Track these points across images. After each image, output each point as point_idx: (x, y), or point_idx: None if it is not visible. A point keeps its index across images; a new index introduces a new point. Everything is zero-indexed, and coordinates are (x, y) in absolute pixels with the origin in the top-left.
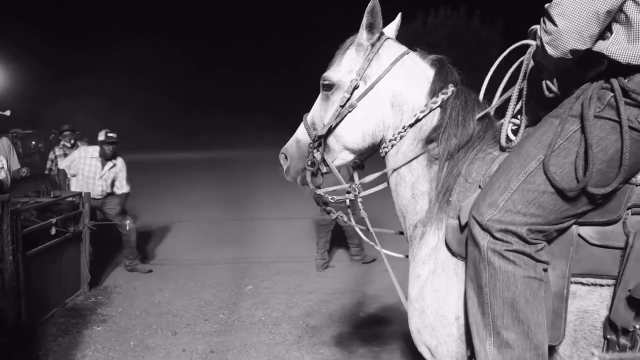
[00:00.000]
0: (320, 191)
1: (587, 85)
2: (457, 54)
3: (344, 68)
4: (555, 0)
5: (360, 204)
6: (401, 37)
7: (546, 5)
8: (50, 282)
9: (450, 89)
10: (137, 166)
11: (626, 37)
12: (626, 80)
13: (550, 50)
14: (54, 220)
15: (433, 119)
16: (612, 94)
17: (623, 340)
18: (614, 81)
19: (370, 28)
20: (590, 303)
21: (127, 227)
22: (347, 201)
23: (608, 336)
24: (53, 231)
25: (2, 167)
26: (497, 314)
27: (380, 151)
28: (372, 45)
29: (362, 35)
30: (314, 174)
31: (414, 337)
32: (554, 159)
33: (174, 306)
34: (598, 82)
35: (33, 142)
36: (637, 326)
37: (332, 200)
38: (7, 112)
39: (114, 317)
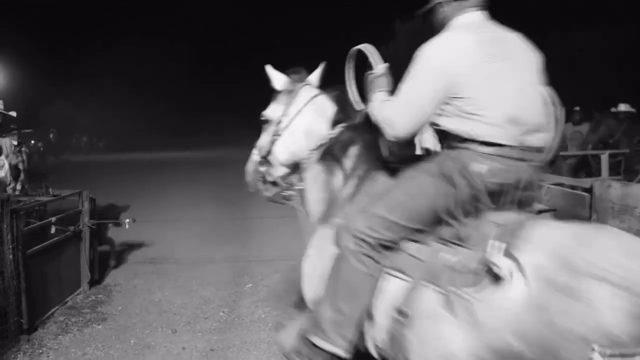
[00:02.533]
0: (268, 194)
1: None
2: None
3: (275, 107)
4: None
5: (294, 198)
6: (402, 36)
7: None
8: (51, 280)
9: (346, 123)
10: (135, 166)
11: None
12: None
13: (387, 131)
14: (53, 219)
15: (334, 144)
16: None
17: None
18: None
19: (292, 80)
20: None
21: (127, 227)
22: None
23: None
24: (53, 230)
25: (3, 166)
26: (339, 289)
27: (302, 165)
28: (292, 91)
29: (287, 84)
30: (265, 182)
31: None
32: (408, 203)
33: (174, 304)
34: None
35: (32, 142)
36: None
37: (281, 200)
38: (13, 113)
39: (114, 315)
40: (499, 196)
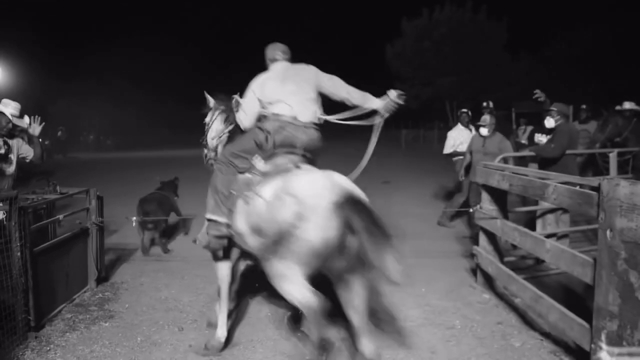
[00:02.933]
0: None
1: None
2: (462, 50)
3: (208, 115)
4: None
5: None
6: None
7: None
8: (58, 278)
9: (231, 126)
10: (143, 163)
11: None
12: None
13: (242, 126)
14: (61, 217)
15: (224, 137)
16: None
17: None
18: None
19: (215, 101)
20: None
21: (134, 224)
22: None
23: None
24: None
25: (12, 164)
26: (213, 190)
27: (216, 147)
28: (212, 109)
29: (213, 103)
30: (206, 157)
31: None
32: (245, 146)
33: (180, 302)
34: None
35: (40, 139)
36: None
37: (209, 166)
38: (25, 121)
39: (121, 313)
40: (284, 148)
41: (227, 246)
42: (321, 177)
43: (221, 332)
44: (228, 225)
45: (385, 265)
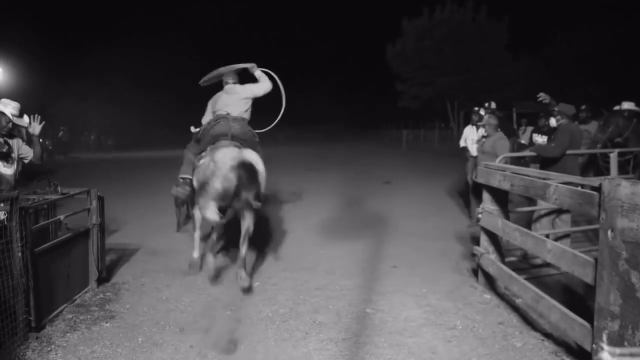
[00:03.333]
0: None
1: None
2: (463, 49)
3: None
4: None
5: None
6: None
7: None
8: (59, 278)
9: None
10: (144, 164)
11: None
12: None
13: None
14: (62, 217)
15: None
16: None
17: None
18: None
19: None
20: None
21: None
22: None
23: None
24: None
25: (13, 164)
26: (185, 161)
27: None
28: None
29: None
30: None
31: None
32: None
33: (181, 302)
34: None
35: (40, 140)
36: None
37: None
38: (25, 120)
39: (122, 313)
40: (220, 135)
41: (189, 196)
42: (231, 151)
43: (195, 254)
44: (191, 180)
45: (251, 200)
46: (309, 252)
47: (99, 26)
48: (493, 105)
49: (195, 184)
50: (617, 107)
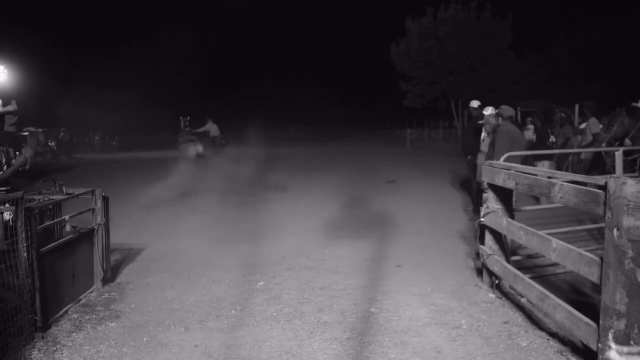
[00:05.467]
0: None
1: None
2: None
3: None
4: None
5: None
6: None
7: None
8: (64, 278)
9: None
10: (148, 164)
11: None
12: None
13: None
14: (67, 217)
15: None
16: None
17: None
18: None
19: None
20: None
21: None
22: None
23: None
24: (68, 228)
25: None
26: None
27: None
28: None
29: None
30: None
31: None
32: None
33: (186, 302)
34: None
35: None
36: None
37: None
38: (13, 104)
39: (127, 313)
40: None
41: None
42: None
43: None
44: None
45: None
46: (313, 251)
47: (104, 29)
48: (491, 111)
49: None
50: (634, 104)
